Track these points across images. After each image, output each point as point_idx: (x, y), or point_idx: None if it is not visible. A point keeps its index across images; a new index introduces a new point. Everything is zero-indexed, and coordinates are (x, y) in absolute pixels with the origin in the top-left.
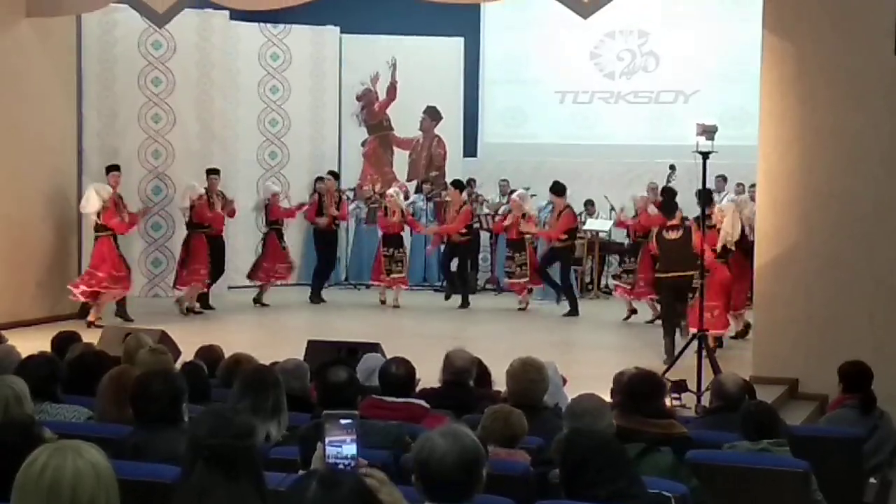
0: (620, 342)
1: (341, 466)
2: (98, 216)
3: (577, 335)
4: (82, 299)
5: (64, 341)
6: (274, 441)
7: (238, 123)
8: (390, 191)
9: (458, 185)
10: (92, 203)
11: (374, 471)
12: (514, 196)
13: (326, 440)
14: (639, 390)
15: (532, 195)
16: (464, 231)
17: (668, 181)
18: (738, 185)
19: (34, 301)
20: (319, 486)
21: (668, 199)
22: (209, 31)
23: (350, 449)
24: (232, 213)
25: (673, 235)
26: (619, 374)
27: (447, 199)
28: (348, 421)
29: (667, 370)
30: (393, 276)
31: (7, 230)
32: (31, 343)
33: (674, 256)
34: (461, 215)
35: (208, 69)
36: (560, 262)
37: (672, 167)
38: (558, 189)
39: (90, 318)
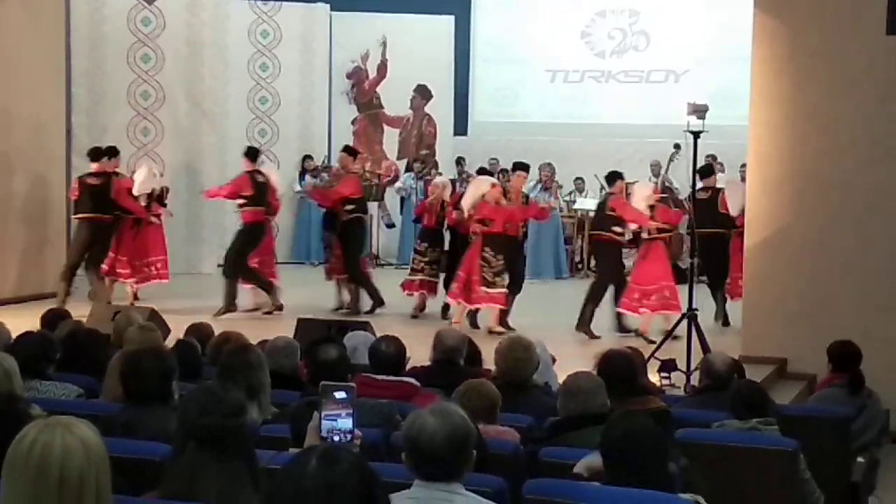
0: (611, 322)
1: (336, 439)
2: None
3: (567, 314)
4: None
5: (53, 318)
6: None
7: (227, 101)
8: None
9: (522, 167)
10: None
11: None
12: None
13: (322, 413)
14: (611, 373)
15: None
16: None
17: (671, 160)
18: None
19: (20, 279)
20: (319, 461)
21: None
22: (199, 8)
23: (346, 423)
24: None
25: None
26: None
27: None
28: (343, 395)
29: (656, 349)
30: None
31: None
32: (16, 321)
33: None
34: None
35: (198, 46)
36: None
37: (677, 146)
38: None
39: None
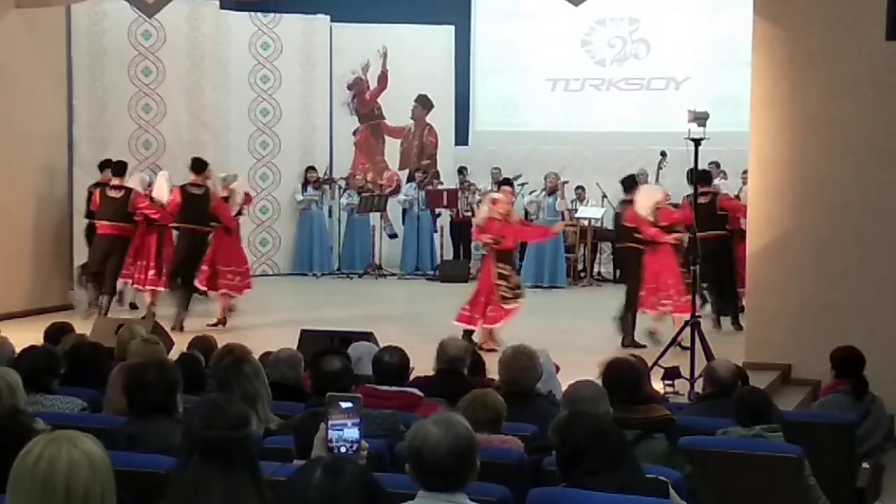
0: (614, 330)
1: (343, 450)
2: None
3: (570, 323)
4: None
5: (56, 332)
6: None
7: (229, 113)
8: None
9: (630, 181)
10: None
11: None
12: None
13: (329, 423)
14: (615, 381)
15: (523, 183)
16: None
17: (660, 167)
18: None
19: (25, 293)
20: (324, 472)
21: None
22: (199, 21)
23: (352, 433)
24: None
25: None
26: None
27: (439, 187)
28: (349, 405)
29: (660, 357)
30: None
31: None
32: (22, 335)
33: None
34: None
35: (199, 59)
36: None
37: (663, 153)
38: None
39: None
